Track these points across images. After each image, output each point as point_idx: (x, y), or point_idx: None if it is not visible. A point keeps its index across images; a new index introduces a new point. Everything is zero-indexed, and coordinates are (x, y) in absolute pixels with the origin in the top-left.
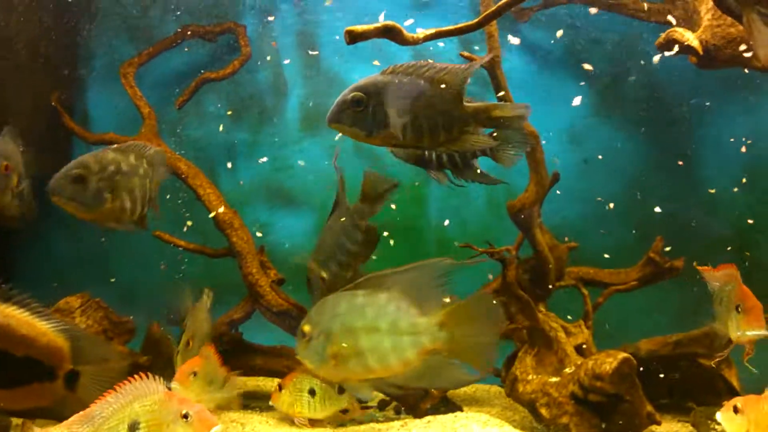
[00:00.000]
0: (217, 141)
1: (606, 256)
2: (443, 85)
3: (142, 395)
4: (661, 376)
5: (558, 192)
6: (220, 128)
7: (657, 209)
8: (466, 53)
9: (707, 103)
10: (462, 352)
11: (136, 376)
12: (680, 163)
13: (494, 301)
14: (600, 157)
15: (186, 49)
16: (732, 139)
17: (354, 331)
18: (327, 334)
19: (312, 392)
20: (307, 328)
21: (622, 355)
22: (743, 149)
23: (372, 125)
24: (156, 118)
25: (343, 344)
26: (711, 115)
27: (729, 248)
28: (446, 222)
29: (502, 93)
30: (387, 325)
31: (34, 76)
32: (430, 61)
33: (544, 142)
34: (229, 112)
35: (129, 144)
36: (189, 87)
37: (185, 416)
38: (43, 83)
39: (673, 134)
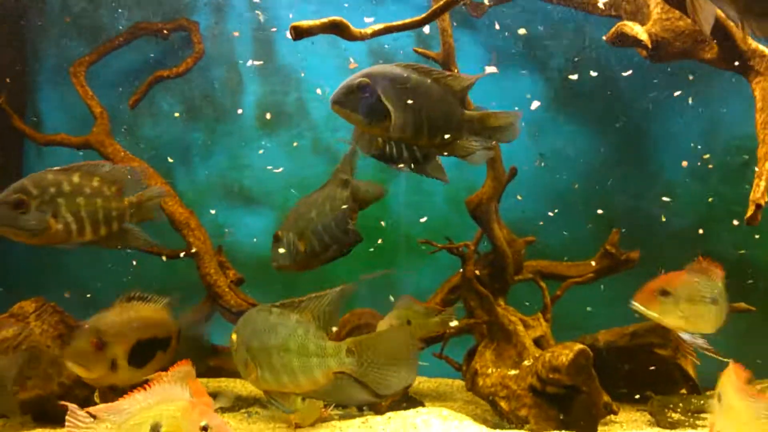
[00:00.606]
0: (173, 140)
1: (563, 250)
2: (447, 89)
3: (168, 399)
4: (620, 366)
5: (518, 190)
6: (175, 127)
7: (612, 202)
8: (420, 49)
9: (658, 96)
10: (368, 376)
11: (164, 378)
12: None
13: (407, 336)
14: (557, 151)
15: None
16: (686, 131)
17: (268, 349)
18: (247, 347)
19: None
20: (234, 337)
21: (578, 346)
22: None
23: (374, 114)
24: (108, 118)
25: (259, 360)
26: (666, 108)
27: (684, 240)
28: (423, 219)
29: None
30: (296, 346)
31: None
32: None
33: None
34: (177, 114)
35: (81, 164)
36: (142, 85)
37: (204, 428)
38: None
39: (629, 127)
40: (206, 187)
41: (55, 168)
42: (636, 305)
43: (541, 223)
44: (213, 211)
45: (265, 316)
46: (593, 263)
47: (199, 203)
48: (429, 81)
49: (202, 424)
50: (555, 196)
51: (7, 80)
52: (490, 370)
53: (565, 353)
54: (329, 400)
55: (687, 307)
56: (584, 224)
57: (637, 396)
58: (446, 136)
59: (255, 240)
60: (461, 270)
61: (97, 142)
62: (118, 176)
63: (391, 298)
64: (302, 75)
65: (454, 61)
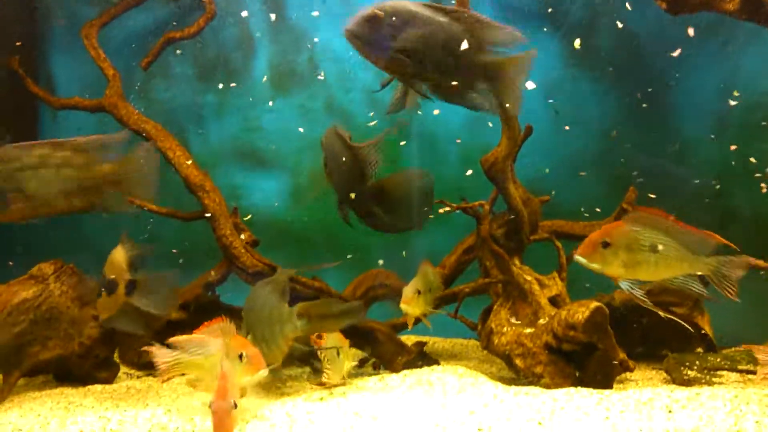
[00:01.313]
0: (185, 102)
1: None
2: (465, 33)
3: (223, 334)
4: (635, 325)
5: (533, 148)
6: (187, 89)
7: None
8: (433, 4)
9: (680, 52)
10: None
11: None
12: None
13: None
14: (574, 109)
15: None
16: (707, 88)
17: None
18: (248, 324)
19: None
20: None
21: (595, 304)
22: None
23: (383, 46)
24: (121, 80)
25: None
26: (685, 64)
27: (705, 198)
28: None
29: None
30: (277, 315)
31: None
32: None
33: None
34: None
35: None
36: (154, 47)
37: (240, 357)
38: (2, 47)
39: (648, 84)
40: (219, 150)
41: (22, 143)
42: (578, 258)
43: (556, 182)
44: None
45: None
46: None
47: (213, 165)
48: (442, 19)
49: (240, 352)
50: (571, 155)
51: (19, 43)
52: (505, 329)
53: (581, 311)
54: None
55: (626, 257)
56: (601, 183)
57: (653, 354)
58: (454, 78)
59: (277, 204)
60: (476, 230)
61: (110, 105)
62: (92, 145)
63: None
64: (313, 34)
65: None
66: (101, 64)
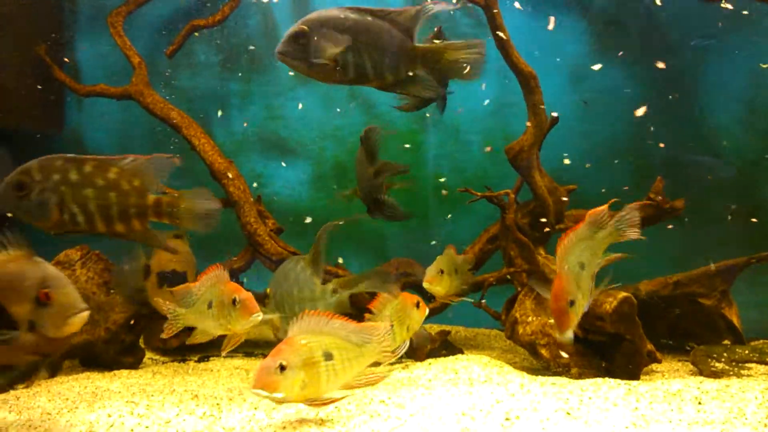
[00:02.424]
0: (210, 90)
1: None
2: (393, 25)
3: (219, 282)
4: (662, 316)
5: (558, 137)
6: (212, 77)
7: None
8: None
9: (705, 39)
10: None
11: (217, 264)
12: (672, 95)
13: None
14: (599, 97)
15: None
16: (733, 76)
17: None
18: (276, 300)
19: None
20: (269, 290)
21: (622, 294)
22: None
23: (313, 58)
24: (147, 68)
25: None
26: (713, 53)
27: (733, 188)
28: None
29: (500, 33)
30: (298, 292)
31: (20, 28)
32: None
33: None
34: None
35: (99, 157)
36: (178, 35)
37: (233, 301)
38: (30, 35)
39: (675, 73)
40: (243, 138)
41: (69, 155)
42: (567, 336)
43: (587, 165)
44: None
45: (291, 269)
46: None
47: (237, 153)
48: (369, 19)
49: (233, 297)
50: (597, 144)
51: (48, 30)
52: (530, 319)
53: (608, 301)
54: None
55: (581, 294)
56: (628, 171)
57: (679, 346)
58: (397, 74)
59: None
60: (500, 219)
61: (136, 92)
62: (140, 170)
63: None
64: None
65: (496, 4)
66: (127, 52)
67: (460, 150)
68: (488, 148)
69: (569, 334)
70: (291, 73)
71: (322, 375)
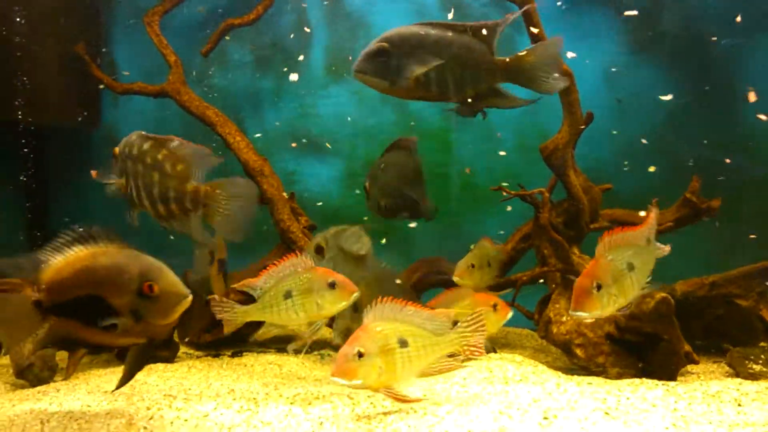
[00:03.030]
0: (243, 89)
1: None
2: (472, 40)
3: (294, 270)
4: (698, 317)
5: (593, 135)
6: (245, 76)
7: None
8: None
9: (741, 37)
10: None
11: (289, 255)
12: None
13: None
14: (634, 96)
15: None
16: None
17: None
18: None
19: None
20: (323, 243)
21: (660, 294)
22: None
23: (395, 76)
24: (182, 66)
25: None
26: (750, 50)
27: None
28: (467, 170)
29: (535, 30)
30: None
31: (59, 26)
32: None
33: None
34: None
35: (167, 137)
36: (213, 34)
37: (331, 285)
38: (68, 33)
39: (711, 71)
40: (276, 135)
41: (144, 133)
42: (580, 314)
43: (617, 170)
44: None
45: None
46: (672, 212)
47: (269, 151)
48: (450, 34)
49: (330, 280)
50: (631, 143)
51: (86, 28)
52: (564, 318)
53: (646, 301)
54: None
55: (616, 290)
56: (664, 171)
57: (714, 348)
58: (478, 88)
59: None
60: (533, 218)
61: (172, 90)
62: (185, 156)
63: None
64: (370, 20)
65: (531, 1)
66: (163, 50)
67: (492, 148)
68: (467, 170)
69: (582, 315)
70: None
71: (398, 362)
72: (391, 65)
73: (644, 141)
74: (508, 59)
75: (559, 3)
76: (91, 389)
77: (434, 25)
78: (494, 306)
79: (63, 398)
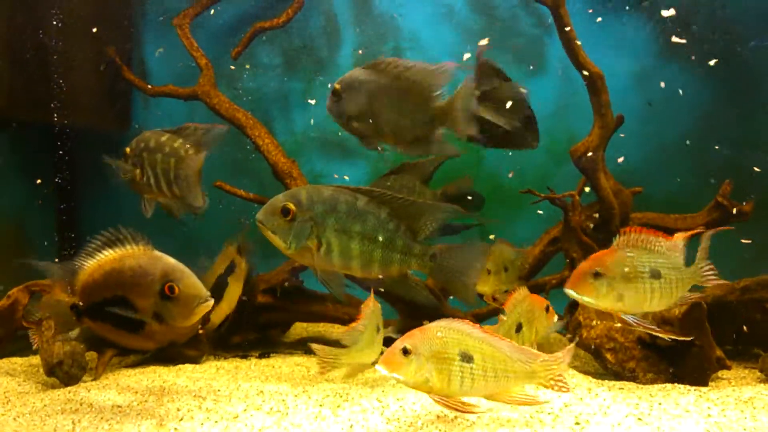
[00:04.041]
0: (272, 91)
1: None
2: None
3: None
4: (729, 322)
5: (622, 135)
6: (274, 78)
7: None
8: None
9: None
10: (444, 282)
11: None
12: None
13: (484, 251)
14: (665, 99)
15: None
16: None
17: (349, 233)
18: (317, 223)
19: None
20: (292, 207)
21: (692, 299)
22: None
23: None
24: (213, 69)
25: (335, 241)
26: None
27: None
28: (510, 174)
29: (567, 28)
30: (384, 239)
31: (91, 28)
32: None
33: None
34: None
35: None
36: (243, 37)
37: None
38: (100, 36)
39: (743, 75)
40: (304, 138)
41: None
42: (569, 292)
43: (647, 173)
44: None
45: (350, 200)
46: (703, 215)
47: (298, 153)
48: (391, 80)
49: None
50: (662, 146)
51: (118, 31)
52: (594, 322)
53: (678, 306)
54: (391, 289)
55: (624, 287)
56: (694, 175)
57: (745, 353)
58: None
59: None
60: (562, 221)
61: (203, 93)
62: (198, 137)
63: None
64: (398, 22)
65: (563, 4)
66: (194, 53)
67: (520, 151)
68: (510, 174)
69: (571, 293)
70: None
71: (455, 375)
72: (343, 106)
73: (687, 142)
74: (439, 105)
75: (590, 11)
76: (122, 389)
77: (378, 70)
78: (546, 308)
79: (94, 398)
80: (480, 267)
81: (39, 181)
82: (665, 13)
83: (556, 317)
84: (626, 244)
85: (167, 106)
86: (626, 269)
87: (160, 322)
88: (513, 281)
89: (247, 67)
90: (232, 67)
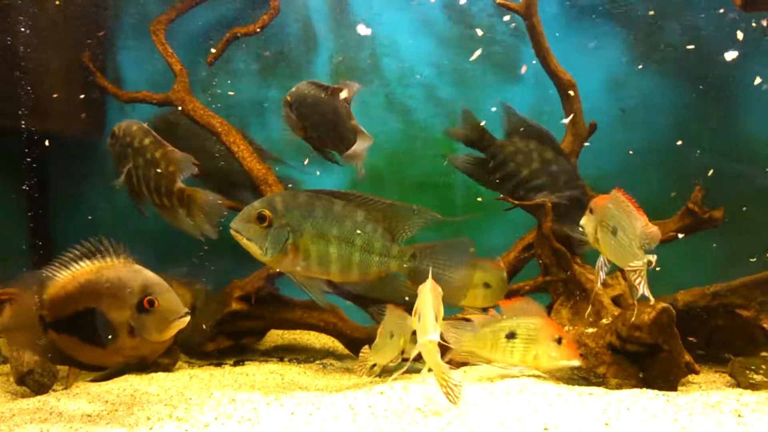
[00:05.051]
0: (248, 98)
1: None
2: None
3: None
4: (699, 327)
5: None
6: (250, 85)
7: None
8: (501, 0)
9: (745, 49)
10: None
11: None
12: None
13: (470, 249)
14: (637, 106)
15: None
16: None
17: (326, 237)
18: (294, 229)
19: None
20: (267, 213)
21: (661, 304)
22: None
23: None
24: (188, 75)
25: (312, 246)
26: (754, 62)
27: None
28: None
29: (540, 37)
30: (362, 242)
31: (66, 35)
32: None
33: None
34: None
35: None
36: (219, 43)
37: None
38: (74, 42)
39: (714, 81)
40: (279, 144)
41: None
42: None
43: (619, 180)
44: None
45: (326, 206)
46: (674, 221)
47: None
48: (323, 96)
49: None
50: (634, 152)
51: (92, 37)
52: (566, 328)
53: (647, 311)
54: (373, 295)
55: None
56: (666, 181)
57: (716, 357)
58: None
59: None
60: (537, 227)
61: (177, 99)
62: (176, 159)
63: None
64: (375, 29)
65: (536, 12)
66: (169, 59)
67: None
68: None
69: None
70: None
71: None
72: (292, 112)
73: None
74: (353, 125)
75: (564, 18)
76: (92, 398)
77: (317, 85)
78: (558, 340)
79: (64, 407)
80: (464, 262)
81: (8, 188)
82: (728, 56)
83: (574, 362)
84: (613, 200)
85: (144, 112)
86: (604, 216)
87: (133, 336)
88: (494, 300)
89: (222, 73)
90: (215, 81)
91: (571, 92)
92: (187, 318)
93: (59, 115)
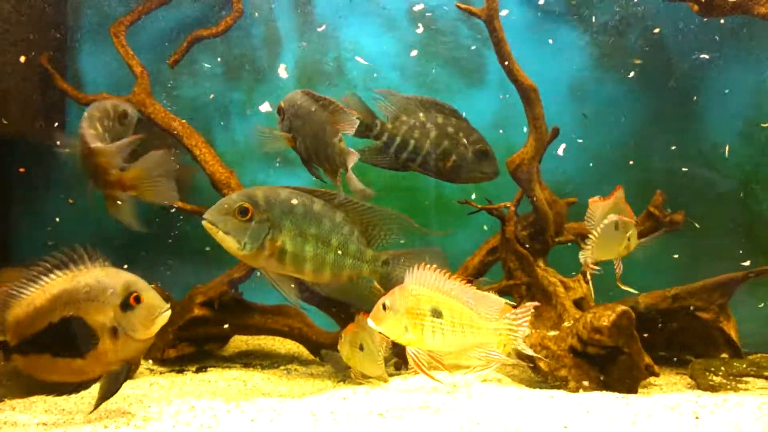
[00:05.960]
0: (212, 100)
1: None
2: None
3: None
4: (660, 329)
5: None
6: (214, 87)
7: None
8: (462, 5)
9: (709, 56)
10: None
11: None
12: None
13: (442, 257)
14: (600, 111)
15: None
16: (734, 92)
17: (304, 235)
18: (273, 225)
19: (361, 347)
20: (249, 206)
21: (621, 308)
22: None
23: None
24: (149, 78)
25: (290, 243)
26: (713, 67)
27: (732, 202)
28: None
29: (501, 41)
30: (337, 243)
31: (24, 36)
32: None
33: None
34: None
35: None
36: (181, 45)
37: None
38: (33, 44)
39: (676, 87)
40: (245, 148)
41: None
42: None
43: (583, 184)
44: None
45: (307, 203)
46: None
47: (239, 163)
48: (313, 109)
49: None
50: (597, 157)
51: (51, 39)
52: (529, 331)
53: (607, 314)
54: (343, 298)
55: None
56: (627, 186)
57: (677, 359)
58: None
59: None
60: (501, 231)
61: (138, 102)
62: (102, 151)
63: None
64: (340, 32)
65: (497, 17)
66: (129, 61)
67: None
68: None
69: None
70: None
71: (427, 329)
72: (285, 120)
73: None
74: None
75: (526, 22)
76: (49, 407)
77: (310, 96)
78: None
79: (19, 417)
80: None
81: None
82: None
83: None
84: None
85: None
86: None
87: (116, 337)
88: None
89: (185, 75)
90: (173, 82)
91: (533, 96)
92: (169, 312)
93: (17, 118)
